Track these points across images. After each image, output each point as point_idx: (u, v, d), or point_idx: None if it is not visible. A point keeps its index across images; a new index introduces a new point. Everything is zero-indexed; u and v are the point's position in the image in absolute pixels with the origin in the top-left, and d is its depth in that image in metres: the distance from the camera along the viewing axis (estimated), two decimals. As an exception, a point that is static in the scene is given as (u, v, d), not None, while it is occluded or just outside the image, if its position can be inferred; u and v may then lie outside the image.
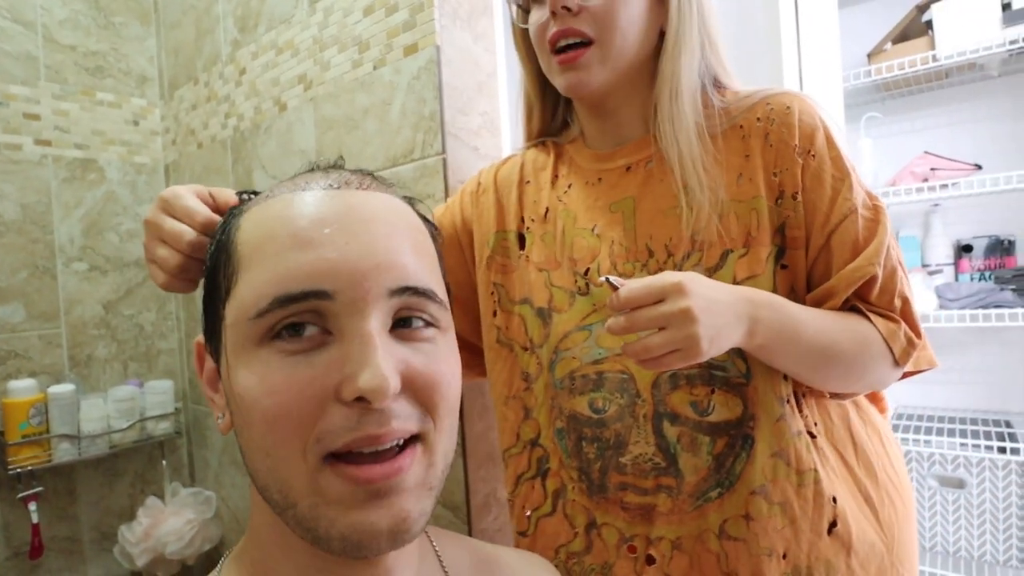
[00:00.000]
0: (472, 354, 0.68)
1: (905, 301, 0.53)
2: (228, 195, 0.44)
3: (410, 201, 0.40)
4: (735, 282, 0.52)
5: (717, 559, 0.52)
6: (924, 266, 1.50)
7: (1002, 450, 1.29)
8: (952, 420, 1.48)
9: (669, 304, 0.43)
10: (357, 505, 0.30)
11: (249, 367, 0.31)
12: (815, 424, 0.54)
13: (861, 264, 0.51)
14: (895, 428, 1.45)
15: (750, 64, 1.07)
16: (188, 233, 0.42)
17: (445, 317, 0.35)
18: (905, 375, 0.56)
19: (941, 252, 1.48)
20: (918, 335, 0.53)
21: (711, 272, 0.53)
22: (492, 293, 0.65)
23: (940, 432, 1.38)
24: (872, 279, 0.52)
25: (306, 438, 0.30)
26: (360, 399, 0.29)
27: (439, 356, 0.33)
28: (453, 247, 0.68)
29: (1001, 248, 1.42)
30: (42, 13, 1.18)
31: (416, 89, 0.81)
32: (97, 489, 1.23)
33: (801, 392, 0.55)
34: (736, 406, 0.52)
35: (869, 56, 1.42)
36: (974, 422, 1.44)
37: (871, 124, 1.49)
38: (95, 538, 1.22)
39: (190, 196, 0.43)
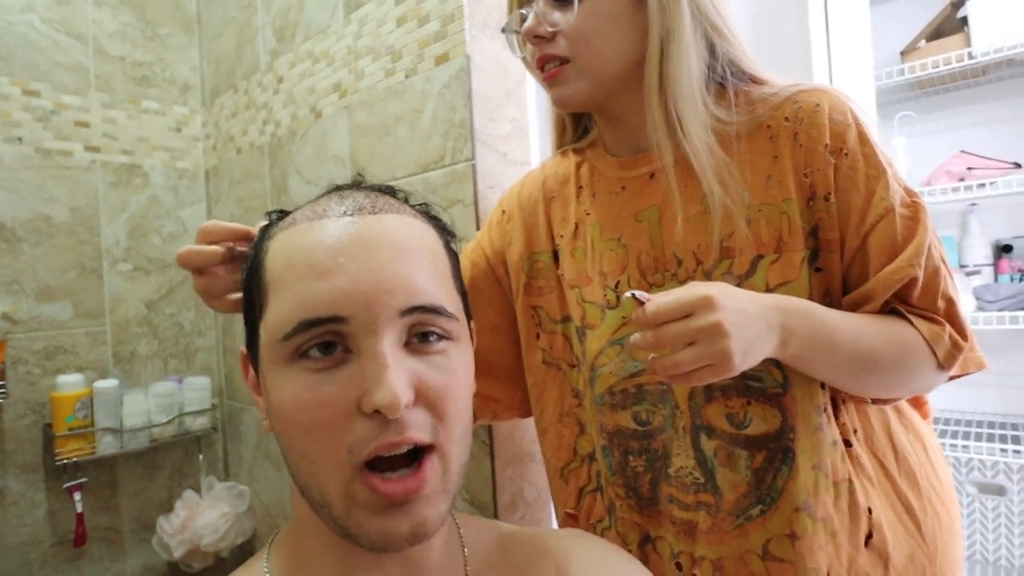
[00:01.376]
0: (516, 389, 0.68)
1: (949, 302, 0.51)
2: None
3: (424, 209, 0.42)
4: (767, 289, 0.51)
5: None
6: (961, 267, 1.46)
7: (1044, 457, 1.25)
8: (991, 425, 1.43)
9: (698, 318, 0.42)
10: (383, 512, 0.34)
11: (281, 383, 0.35)
12: (854, 432, 0.53)
13: (900, 266, 0.49)
14: (931, 433, 1.41)
15: (778, 63, 1.06)
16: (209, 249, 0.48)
17: (456, 328, 0.38)
18: (951, 378, 0.54)
19: (979, 253, 1.44)
20: (964, 337, 0.51)
21: (742, 279, 0.52)
22: (532, 316, 0.65)
23: (979, 437, 1.34)
24: (912, 281, 0.50)
25: (340, 448, 0.34)
26: (378, 411, 0.33)
27: (450, 367, 0.37)
28: (489, 281, 0.67)
29: (1043, 249, 1.38)
30: (93, 26, 1.25)
31: (447, 97, 0.83)
32: (137, 481, 1.28)
33: (840, 398, 0.53)
34: (774, 418, 0.51)
35: (902, 54, 1.40)
36: (1014, 427, 1.40)
37: (905, 123, 1.47)
38: (135, 528, 1.26)
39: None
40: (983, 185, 1.30)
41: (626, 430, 0.57)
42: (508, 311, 0.67)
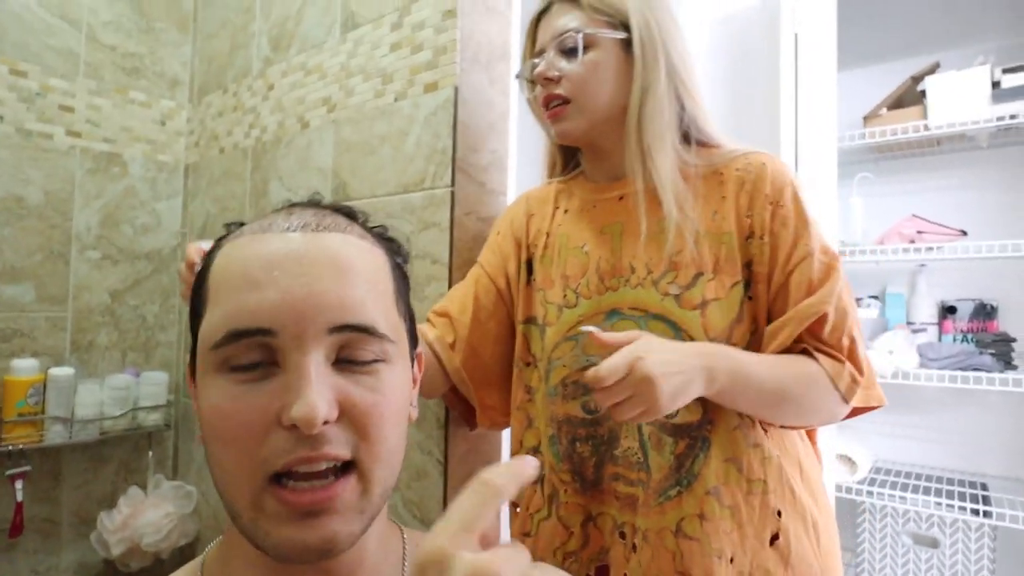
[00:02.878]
0: (508, 396, 0.74)
1: (853, 341, 0.60)
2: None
3: (380, 232, 0.43)
4: (703, 301, 0.61)
5: (673, 557, 0.58)
6: (909, 323, 1.54)
7: (976, 512, 1.31)
8: (928, 478, 1.50)
9: (634, 375, 0.51)
10: (290, 522, 0.33)
11: (208, 392, 0.35)
12: (772, 443, 0.61)
13: (814, 302, 0.58)
14: (872, 482, 1.46)
15: (749, 123, 1.12)
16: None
17: (391, 350, 0.37)
18: (856, 411, 0.62)
19: (925, 312, 1.52)
20: (861, 373, 0.59)
21: (684, 290, 0.61)
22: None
23: (916, 489, 1.40)
24: (824, 317, 0.58)
25: (254, 459, 0.33)
26: (295, 426, 0.32)
27: (379, 387, 0.36)
28: (491, 295, 0.75)
29: (984, 312, 1.47)
30: (88, 13, 1.25)
31: (432, 124, 0.86)
32: (82, 474, 1.25)
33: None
34: (696, 411, 0.60)
35: (865, 119, 1.49)
36: (950, 482, 1.46)
37: (863, 183, 1.55)
38: (74, 523, 1.23)
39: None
40: (931, 248, 1.38)
41: (575, 418, 0.65)
42: (508, 321, 0.75)
